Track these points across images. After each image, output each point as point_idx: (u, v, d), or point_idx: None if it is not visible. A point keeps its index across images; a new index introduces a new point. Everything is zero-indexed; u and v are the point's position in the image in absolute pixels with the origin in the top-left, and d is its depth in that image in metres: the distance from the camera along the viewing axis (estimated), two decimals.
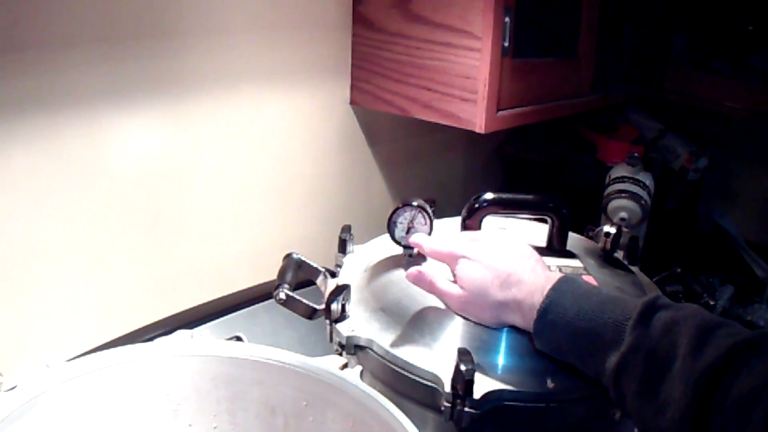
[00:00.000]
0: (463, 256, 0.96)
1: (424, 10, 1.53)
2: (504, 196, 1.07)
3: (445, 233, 1.06)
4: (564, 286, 0.88)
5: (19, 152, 1.17)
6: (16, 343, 1.23)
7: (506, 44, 1.49)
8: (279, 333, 1.31)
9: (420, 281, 0.98)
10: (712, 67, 2.19)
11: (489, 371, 0.88)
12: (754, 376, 0.70)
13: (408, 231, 1.06)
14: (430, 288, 0.98)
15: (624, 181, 1.81)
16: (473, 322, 0.94)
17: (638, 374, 0.78)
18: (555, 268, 1.03)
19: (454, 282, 0.97)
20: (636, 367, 0.79)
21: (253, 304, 1.39)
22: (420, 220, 1.05)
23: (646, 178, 1.82)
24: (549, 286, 0.88)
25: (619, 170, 1.84)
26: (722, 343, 0.74)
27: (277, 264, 1.05)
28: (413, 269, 0.98)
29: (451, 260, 0.98)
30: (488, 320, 0.94)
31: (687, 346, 0.76)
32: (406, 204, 1.05)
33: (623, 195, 1.79)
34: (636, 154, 1.84)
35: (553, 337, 0.87)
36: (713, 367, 0.72)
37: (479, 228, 1.07)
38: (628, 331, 0.81)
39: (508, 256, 0.94)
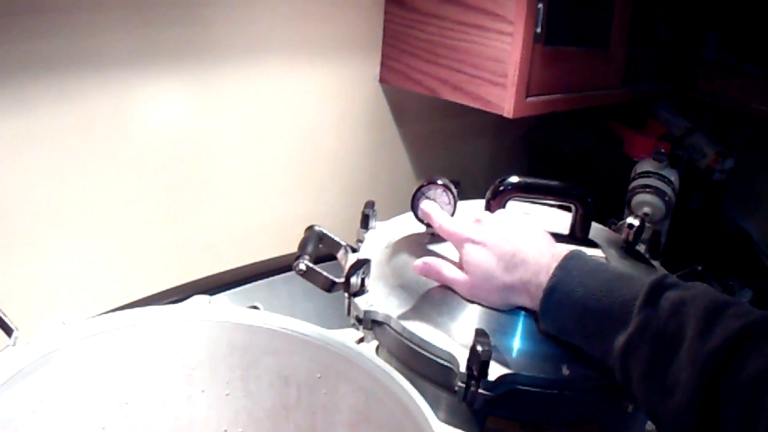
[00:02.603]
0: (468, 239, 0.95)
1: None
2: (529, 180, 1.06)
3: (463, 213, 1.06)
4: (570, 263, 0.87)
5: (44, 113, 1.18)
6: (35, 302, 1.24)
7: (538, 30, 1.48)
8: (296, 305, 1.31)
9: (427, 272, 0.97)
10: (743, 69, 2.17)
11: (505, 354, 0.87)
12: (764, 359, 0.69)
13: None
14: (438, 277, 0.97)
15: (649, 176, 1.79)
16: (485, 306, 0.94)
17: (645, 356, 0.77)
18: None
19: (461, 265, 0.97)
20: (643, 349, 0.77)
21: (272, 275, 1.39)
22: (444, 199, 1.05)
23: (672, 175, 1.80)
24: (555, 265, 0.87)
25: (645, 165, 1.83)
26: (731, 325, 0.72)
27: (298, 237, 1.05)
28: (419, 261, 0.98)
29: (457, 243, 0.98)
30: (497, 303, 0.93)
31: (695, 327, 0.74)
32: (431, 182, 1.05)
33: (648, 190, 1.78)
34: (663, 150, 1.83)
35: (558, 317, 0.86)
36: (722, 349, 0.71)
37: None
38: (635, 311, 0.79)
39: (512, 236, 0.93)
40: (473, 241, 0.94)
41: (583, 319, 0.84)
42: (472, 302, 0.94)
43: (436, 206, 1.04)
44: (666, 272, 0.84)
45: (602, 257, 1.03)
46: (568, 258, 0.88)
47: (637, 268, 1.07)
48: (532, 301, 0.89)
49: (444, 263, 0.97)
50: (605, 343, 0.82)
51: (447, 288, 0.97)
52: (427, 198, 1.05)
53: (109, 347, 0.85)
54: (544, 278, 0.87)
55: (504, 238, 0.93)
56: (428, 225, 1.06)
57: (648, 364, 0.77)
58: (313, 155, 1.64)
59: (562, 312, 0.86)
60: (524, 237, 0.93)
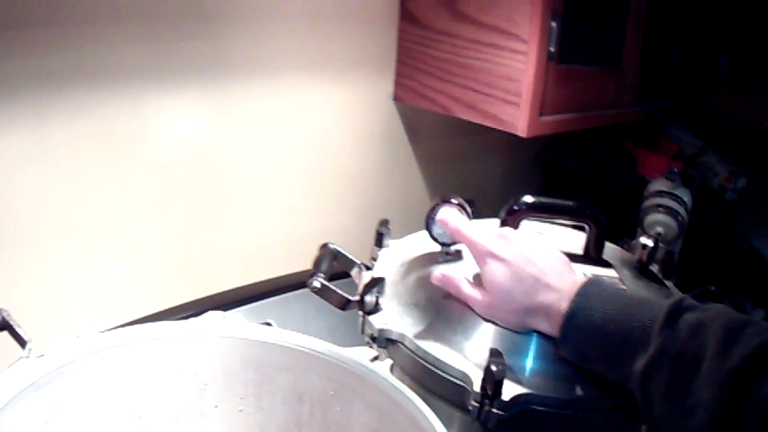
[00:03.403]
0: (491, 253, 0.94)
1: (472, 10, 1.53)
2: (543, 199, 1.05)
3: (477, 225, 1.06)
4: (590, 289, 0.87)
5: (61, 125, 1.19)
6: (49, 315, 1.24)
7: (552, 49, 1.48)
8: (309, 322, 1.31)
9: (446, 285, 0.98)
10: (755, 87, 2.17)
11: (519, 374, 0.87)
12: None
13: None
14: (456, 291, 0.97)
15: (662, 196, 1.79)
16: (500, 326, 0.93)
17: (666, 378, 0.77)
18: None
19: (479, 282, 0.96)
20: (663, 371, 0.77)
21: (285, 292, 1.39)
22: None
23: (685, 194, 1.80)
24: (575, 291, 0.87)
25: (658, 184, 1.83)
26: (750, 343, 0.73)
27: (311, 254, 1.05)
28: (438, 273, 0.98)
29: (477, 255, 0.97)
30: (514, 325, 0.93)
31: (714, 348, 0.74)
32: (446, 201, 1.05)
33: (660, 209, 1.77)
34: (675, 170, 1.83)
35: (578, 342, 0.86)
36: (742, 368, 0.71)
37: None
38: (654, 334, 0.79)
39: (536, 258, 0.93)
40: (497, 258, 0.93)
41: (603, 344, 0.84)
42: (487, 321, 0.94)
43: (455, 212, 1.03)
44: (684, 295, 0.84)
45: (616, 278, 1.03)
46: (587, 284, 0.88)
47: (651, 288, 1.07)
48: (551, 327, 0.89)
49: (463, 279, 0.97)
50: (625, 367, 0.82)
51: (461, 307, 0.96)
52: None
53: (123, 361, 0.85)
54: (564, 304, 0.87)
55: (528, 259, 0.92)
56: (443, 244, 1.06)
57: (669, 386, 0.77)
58: (327, 172, 1.65)
59: (581, 337, 0.86)
60: (547, 261, 0.93)
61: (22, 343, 0.79)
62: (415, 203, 1.88)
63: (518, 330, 0.93)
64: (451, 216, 1.01)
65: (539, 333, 0.92)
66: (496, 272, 0.93)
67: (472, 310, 0.96)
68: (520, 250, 0.94)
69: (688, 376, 0.76)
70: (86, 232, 1.26)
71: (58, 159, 1.20)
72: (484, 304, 0.94)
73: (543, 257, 0.94)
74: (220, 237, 1.48)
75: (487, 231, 0.98)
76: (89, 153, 1.23)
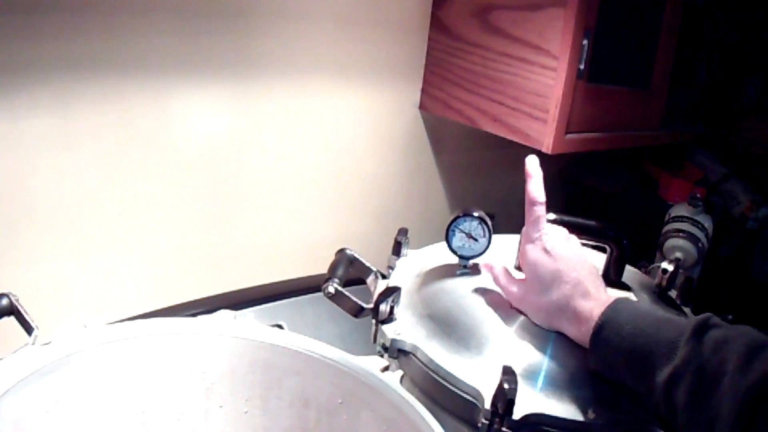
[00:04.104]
0: (545, 245, 0.97)
1: (504, 23, 1.52)
2: (566, 218, 1.06)
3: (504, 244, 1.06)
4: (620, 305, 0.90)
5: (83, 112, 1.19)
6: (58, 303, 1.24)
7: (582, 67, 1.47)
8: (321, 327, 1.31)
9: (489, 270, 1.02)
10: None
11: (530, 393, 0.87)
12: None
13: (466, 241, 1.04)
14: (494, 278, 1.01)
15: (683, 221, 1.78)
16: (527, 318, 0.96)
17: (688, 388, 0.79)
18: None
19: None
20: (686, 381, 0.79)
21: (298, 295, 1.39)
22: (479, 231, 1.04)
23: (706, 221, 1.78)
24: (608, 304, 0.89)
25: (680, 209, 1.81)
26: None
27: (327, 258, 1.05)
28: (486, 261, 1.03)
29: (531, 237, 0.99)
30: (541, 321, 0.96)
31: (736, 363, 0.77)
32: (467, 214, 1.04)
33: (681, 235, 1.76)
34: (698, 196, 1.81)
35: (607, 353, 0.88)
36: (761, 383, 0.73)
37: None
38: (680, 347, 0.81)
39: (582, 267, 0.95)
40: (548, 252, 0.96)
41: (631, 356, 0.85)
42: (501, 338, 0.93)
43: (537, 162, 1.06)
44: (710, 314, 0.85)
45: (635, 301, 1.02)
46: (619, 301, 0.90)
47: (670, 313, 1.06)
48: (580, 334, 0.91)
49: (504, 268, 1.01)
50: (651, 379, 0.83)
51: (476, 322, 0.96)
52: (462, 231, 1.05)
53: (129, 354, 0.85)
54: (596, 314, 0.89)
55: (576, 264, 0.95)
56: (461, 256, 1.06)
57: (691, 396, 0.79)
58: (348, 177, 1.64)
59: (609, 348, 0.87)
60: (589, 272, 0.96)
61: (29, 329, 0.79)
62: (435, 214, 1.87)
63: (543, 326, 0.95)
64: (534, 167, 1.05)
65: (556, 349, 0.93)
66: (542, 264, 0.96)
67: (506, 296, 1.00)
68: (572, 254, 0.97)
69: (709, 388, 0.78)
70: (102, 221, 1.26)
71: (79, 146, 1.20)
72: (518, 294, 0.97)
73: (587, 267, 0.96)
74: (236, 235, 1.47)
75: (553, 228, 1.01)
76: (110, 142, 1.23)
